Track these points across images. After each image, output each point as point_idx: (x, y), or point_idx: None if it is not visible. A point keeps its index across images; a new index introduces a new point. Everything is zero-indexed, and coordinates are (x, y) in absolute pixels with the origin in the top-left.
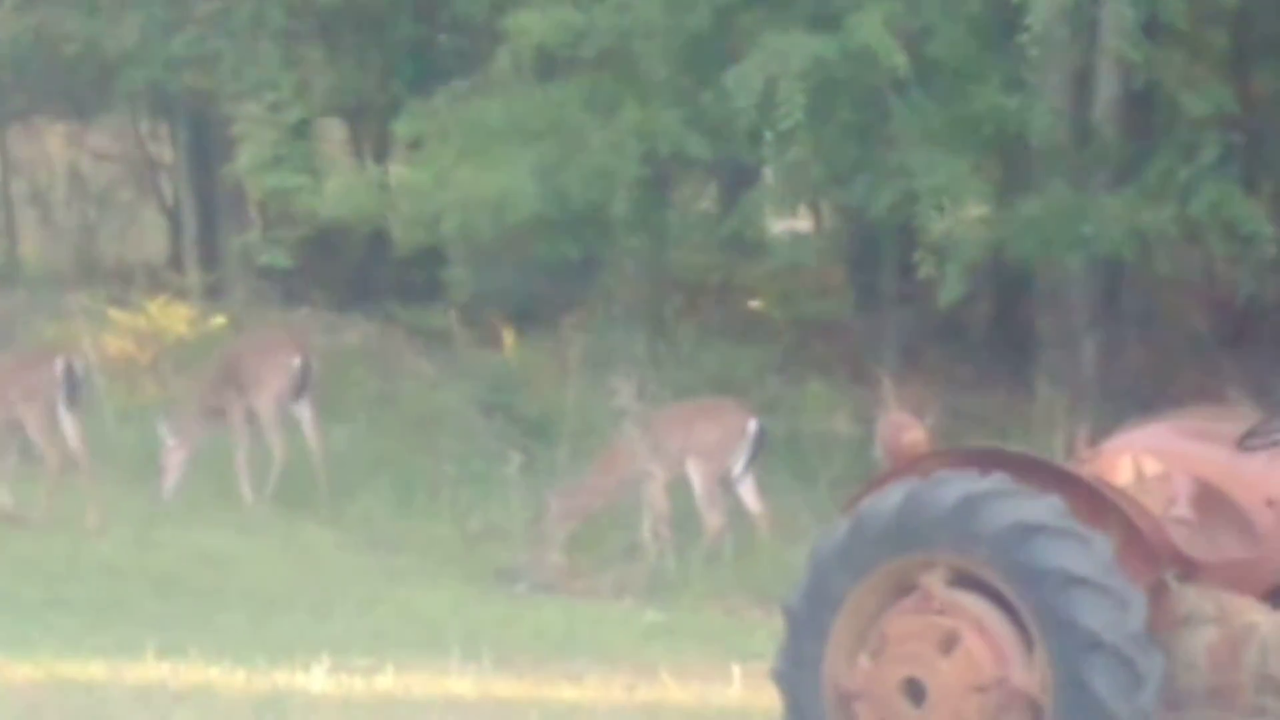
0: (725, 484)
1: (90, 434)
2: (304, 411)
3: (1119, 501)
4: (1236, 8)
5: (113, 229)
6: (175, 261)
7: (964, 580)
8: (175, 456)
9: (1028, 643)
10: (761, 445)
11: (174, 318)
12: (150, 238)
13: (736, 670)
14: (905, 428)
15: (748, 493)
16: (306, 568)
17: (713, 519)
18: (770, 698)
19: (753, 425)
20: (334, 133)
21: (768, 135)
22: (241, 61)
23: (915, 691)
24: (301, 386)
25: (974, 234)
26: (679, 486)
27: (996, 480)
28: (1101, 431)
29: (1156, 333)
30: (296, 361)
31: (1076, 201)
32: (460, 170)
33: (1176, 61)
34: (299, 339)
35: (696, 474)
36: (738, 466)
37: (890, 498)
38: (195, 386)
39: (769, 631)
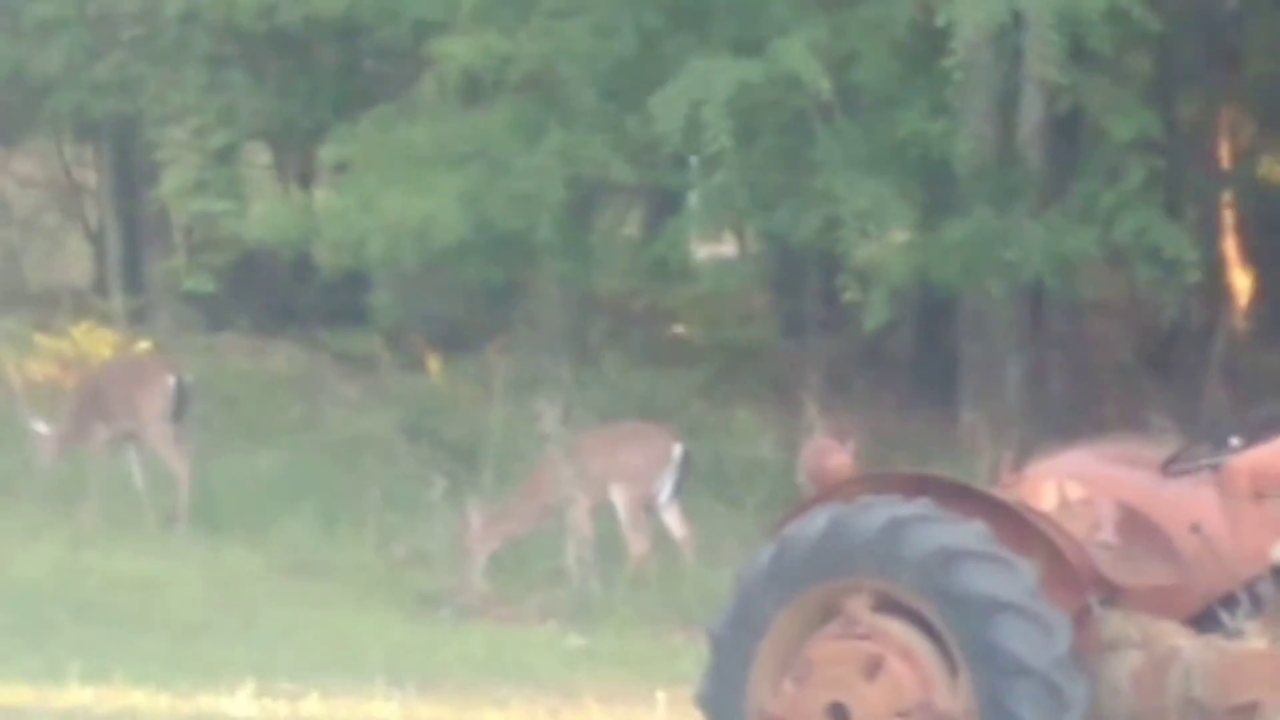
0: (650, 509)
1: (13, 458)
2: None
3: (1043, 527)
4: (1160, 33)
5: (37, 254)
6: (100, 286)
7: (889, 605)
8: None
9: (952, 668)
10: (687, 470)
11: (98, 343)
12: (75, 262)
13: (661, 695)
14: (830, 453)
15: (673, 518)
16: (230, 592)
17: (637, 544)
18: None
19: (677, 450)
20: (259, 157)
21: (693, 160)
22: (166, 86)
23: (839, 716)
24: (180, 408)
25: (898, 259)
26: (604, 511)
27: (921, 505)
28: (1026, 456)
29: (1080, 358)
30: (171, 382)
31: (1000, 226)
32: (385, 195)
33: (1101, 86)
34: (171, 361)
35: (621, 499)
36: (663, 492)
37: (815, 523)
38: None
39: (694, 656)
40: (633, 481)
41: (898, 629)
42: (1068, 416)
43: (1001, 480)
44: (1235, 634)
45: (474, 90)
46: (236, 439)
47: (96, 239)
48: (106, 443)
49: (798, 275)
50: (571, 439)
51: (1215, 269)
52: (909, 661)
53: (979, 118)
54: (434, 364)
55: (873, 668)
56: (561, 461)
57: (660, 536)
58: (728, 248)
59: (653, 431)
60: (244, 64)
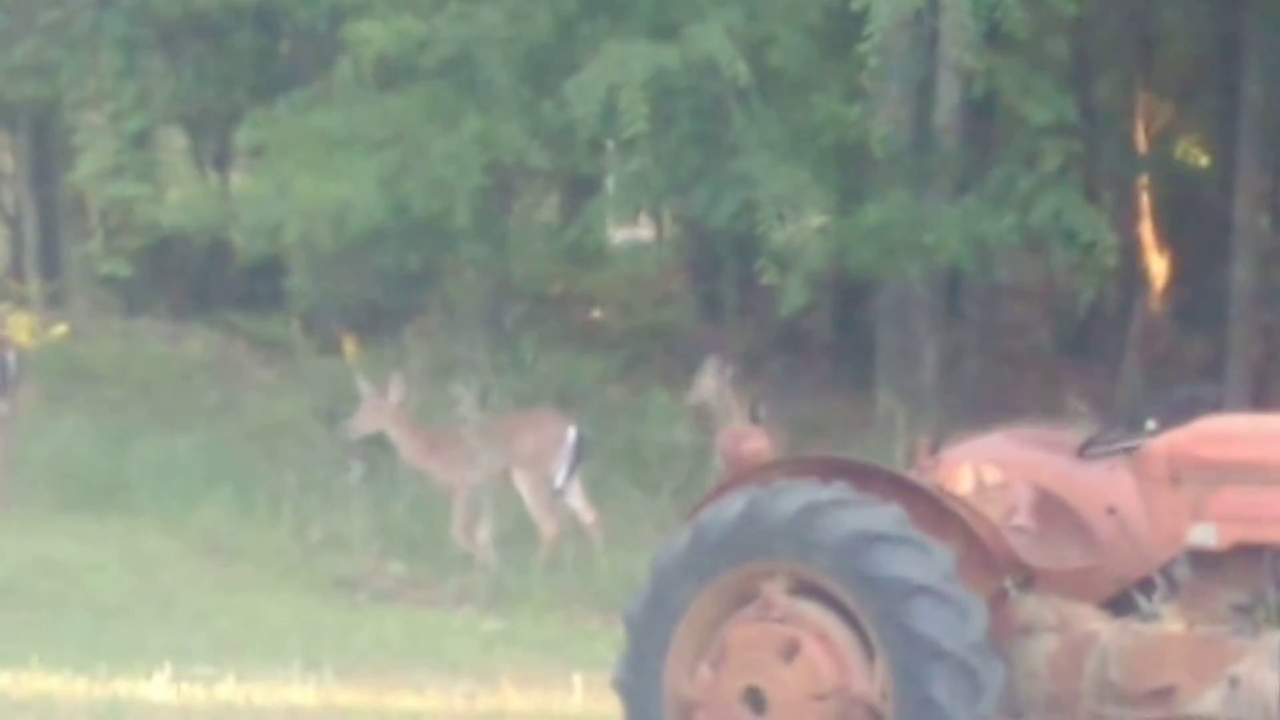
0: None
1: None
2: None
3: (959, 510)
4: (1077, 17)
5: None
6: (16, 270)
7: (805, 589)
8: None
9: (869, 651)
10: (582, 453)
11: (15, 326)
12: None
13: (578, 679)
14: (746, 436)
15: (575, 500)
16: (147, 576)
17: (547, 528)
18: (611, 706)
19: (571, 433)
20: (175, 142)
21: (609, 145)
22: (82, 71)
23: (756, 700)
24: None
25: (814, 243)
26: (514, 496)
27: (837, 489)
28: (942, 440)
29: (997, 342)
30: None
31: (917, 210)
32: (301, 180)
33: (1017, 70)
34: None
35: (523, 485)
36: (559, 476)
37: (731, 507)
38: None
39: (610, 640)
40: (531, 467)
41: (814, 613)
42: (984, 400)
43: (918, 464)
44: (1151, 617)
45: (390, 75)
46: (153, 424)
47: (13, 223)
48: None
49: (714, 259)
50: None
51: (1132, 252)
52: (825, 645)
53: (895, 102)
54: (350, 348)
55: (789, 651)
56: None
57: (574, 520)
58: (644, 232)
59: (546, 416)
60: (160, 48)
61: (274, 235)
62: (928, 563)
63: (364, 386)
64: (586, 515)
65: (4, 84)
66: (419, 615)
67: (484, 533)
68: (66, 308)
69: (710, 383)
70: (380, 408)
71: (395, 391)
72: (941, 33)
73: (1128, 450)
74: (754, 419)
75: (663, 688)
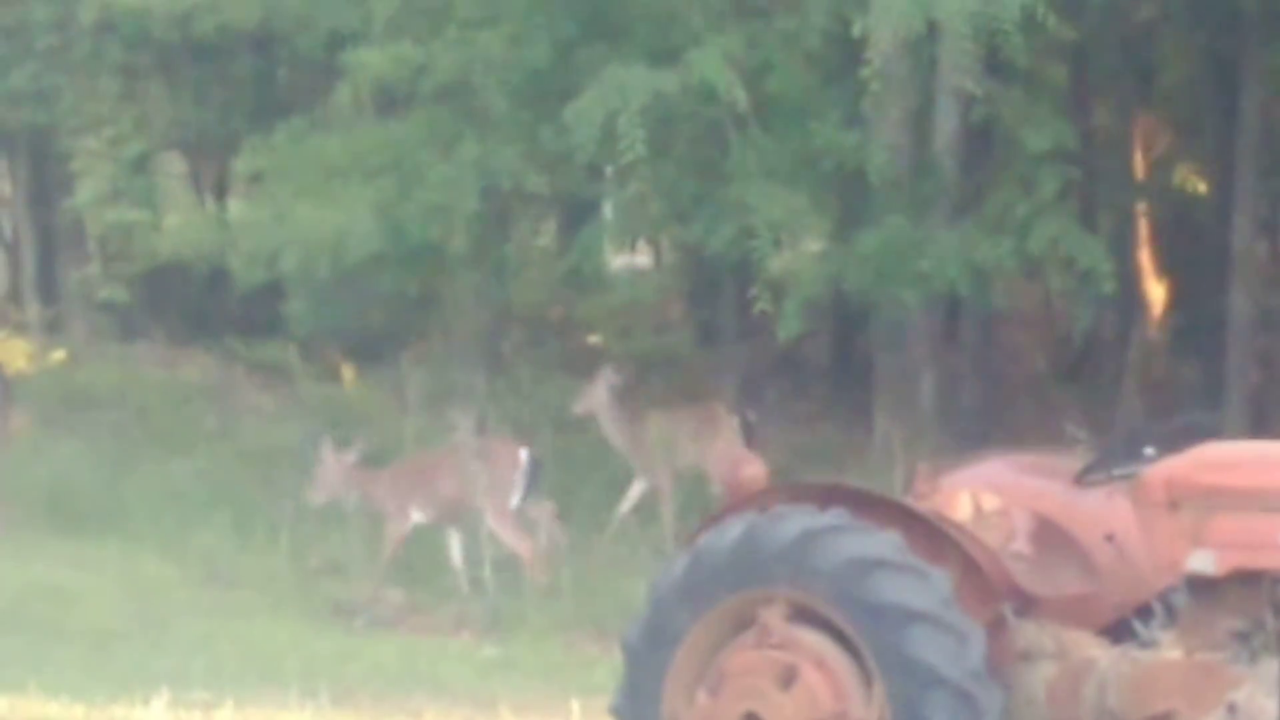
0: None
1: None
2: None
3: (957, 537)
4: (1075, 44)
5: None
6: (14, 296)
7: (803, 615)
8: None
9: (867, 678)
10: (536, 477)
11: (13, 352)
12: None
13: (575, 705)
14: (744, 463)
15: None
16: (145, 602)
17: (523, 549)
18: None
19: (524, 456)
20: (174, 167)
21: (607, 170)
22: (80, 96)
23: None
24: None
25: (812, 269)
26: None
27: (835, 515)
28: (940, 467)
29: (995, 368)
30: None
31: (915, 236)
32: (299, 207)
33: (1015, 97)
34: None
35: (487, 514)
36: (516, 498)
37: (729, 533)
38: None
39: (608, 666)
40: (491, 495)
41: (812, 639)
42: (982, 427)
43: (916, 490)
44: (1149, 644)
45: (388, 101)
46: (151, 449)
47: (11, 249)
48: None
49: (712, 285)
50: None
51: (1130, 279)
52: (823, 672)
53: (894, 128)
54: (348, 374)
55: (787, 678)
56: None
57: (574, 548)
58: (642, 258)
59: (499, 443)
60: (158, 74)
61: (272, 261)
62: (926, 589)
63: (323, 451)
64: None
65: (3, 109)
66: (417, 641)
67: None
68: (65, 333)
69: (601, 394)
70: (334, 470)
71: (348, 458)
72: (940, 59)
73: (1126, 477)
74: (745, 434)
75: (661, 714)
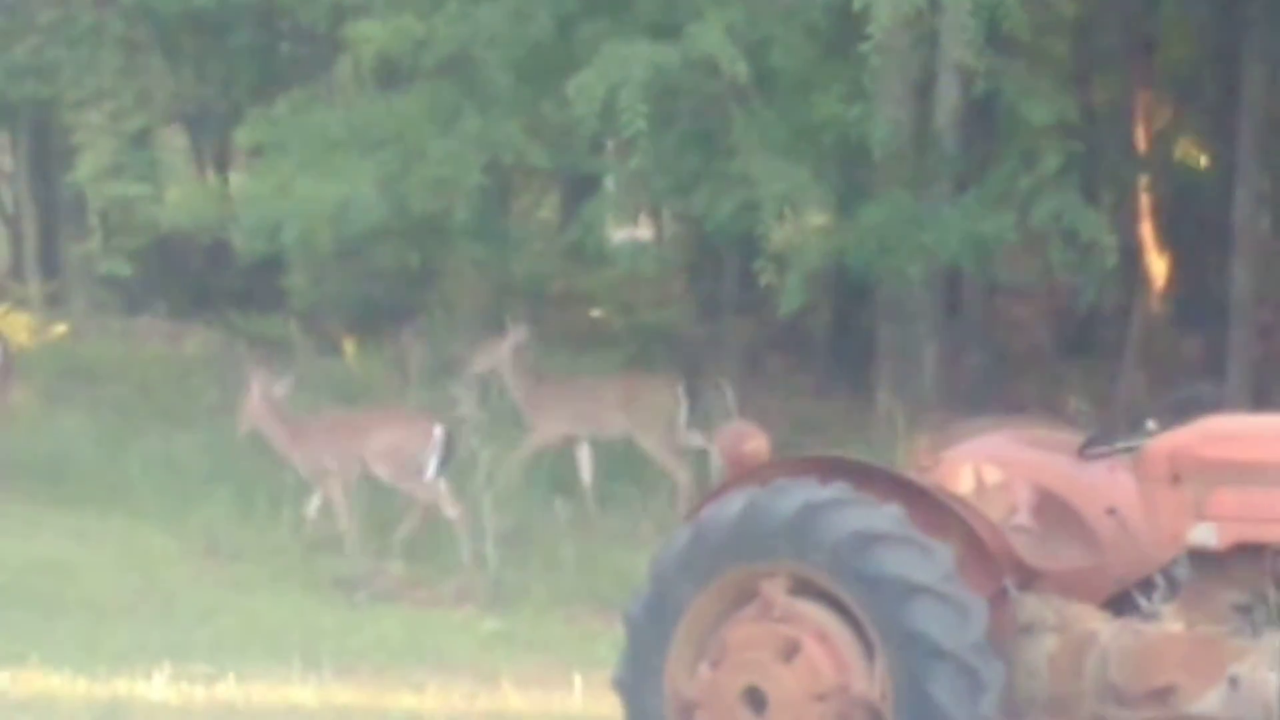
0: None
1: None
2: None
3: (959, 510)
4: (1077, 18)
5: None
6: (16, 270)
7: (805, 589)
8: None
9: (869, 651)
10: (450, 451)
11: (15, 326)
12: None
13: (578, 679)
14: (746, 436)
15: (441, 499)
16: (147, 576)
17: (449, 511)
18: (611, 706)
19: (438, 432)
20: (175, 141)
21: (609, 144)
22: (82, 70)
23: (756, 700)
24: None
25: (814, 243)
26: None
27: (837, 489)
28: (940, 438)
29: (997, 341)
30: None
31: (917, 210)
32: (301, 180)
33: (1017, 71)
34: None
35: (384, 477)
36: (431, 470)
37: (731, 506)
38: None
39: (610, 640)
40: (390, 461)
41: (814, 612)
42: (984, 400)
43: (918, 464)
44: (1152, 617)
45: (390, 74)
46: (153, 423)
47: (12, 223)
48: None
49: (714, 259)
50: (332, 417)
51: (1132, 253)
52: (825, 645)
53: (895, 102)
54: (349, 348)
55: (789, 651)
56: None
57: (576, 520)
58: (644, 232)
59: (413, 414)
60: (160, 48)
61: (273, 235)
62: (928, 563)
63: (253, 380)
64: (451, 511)
65: (4, 83)
66: (418, 615)
67: (489, 534)
68: (66, 307)
69: (505, 351)
70: (259, 402)
71: (279, 388)
72: (942, 32)
73: (1128, 450)
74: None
75: (663, 687)
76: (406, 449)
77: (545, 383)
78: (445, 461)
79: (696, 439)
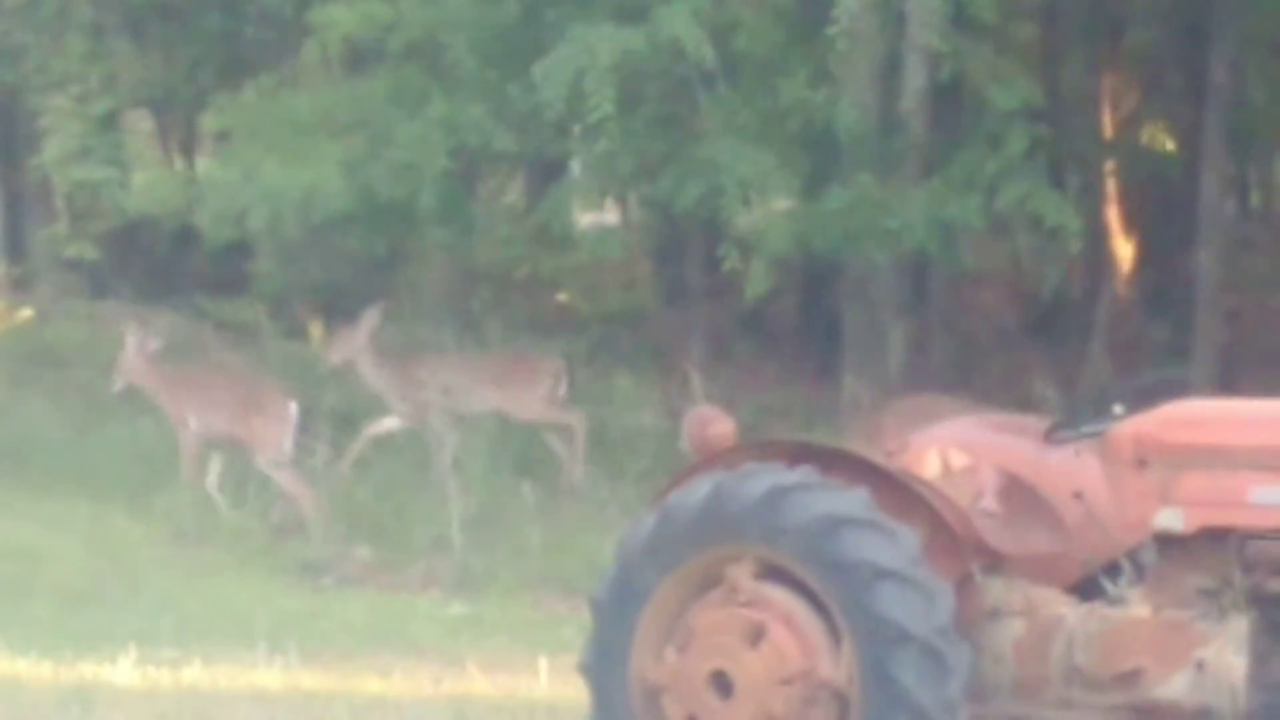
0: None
1: None
2: None
3: (926, 494)
4: (1043, 1)
5: None
6: None
7: (771, 573)
8: None
9: (835, 636)
10: (303, 428)
11: None
12: None
13: (544, 663)
14: (712, 420)
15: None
16: (112, 560)
17: (301, 495)
18: (578, 691)
19: (293, 409)
20: (142, 125)
21: (575, 128)
22: (48, 54)
23: (722, 684)
24: None
25: (780, 227)
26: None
27: (803, 473)
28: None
29: (963, 326)
30: None
31: (883, 194)
32: (267, 165)
33: (984, 54)
34: None
35: (263, 464)
36: (287, 446)
37: (697, 490)
38: None
39: (577, 624)
40: (265, 447)
41: (780, 597)
42: (951, 385)
43: (884, 447)
44: (1118, 601)
45: (356, 58)
46: (118, 407)
47: None
48: None
49: (680, 243)
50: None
51: (1098, 237)
52: (791, 629)
53: (861, 86)
54: (316, 332)
55: (755, 636)
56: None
57: (544, 506)
58: (610, 216)
59: (271, 392)
60: (126, 31)
61: (240, 219)
62: (894, 547)
63: (128, 336)
64: (295, 487)
65: None
66: (385, 599)
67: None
68: (32, 291)
69: (361, 339)
70: (134, 357)
71: (151, 343)
72: (908, 16)
73: (1094, 435)
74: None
75: (629, 672)
76: (261, 423)
77: (409, 363)
78: (295, 438)
79: (570, 416)
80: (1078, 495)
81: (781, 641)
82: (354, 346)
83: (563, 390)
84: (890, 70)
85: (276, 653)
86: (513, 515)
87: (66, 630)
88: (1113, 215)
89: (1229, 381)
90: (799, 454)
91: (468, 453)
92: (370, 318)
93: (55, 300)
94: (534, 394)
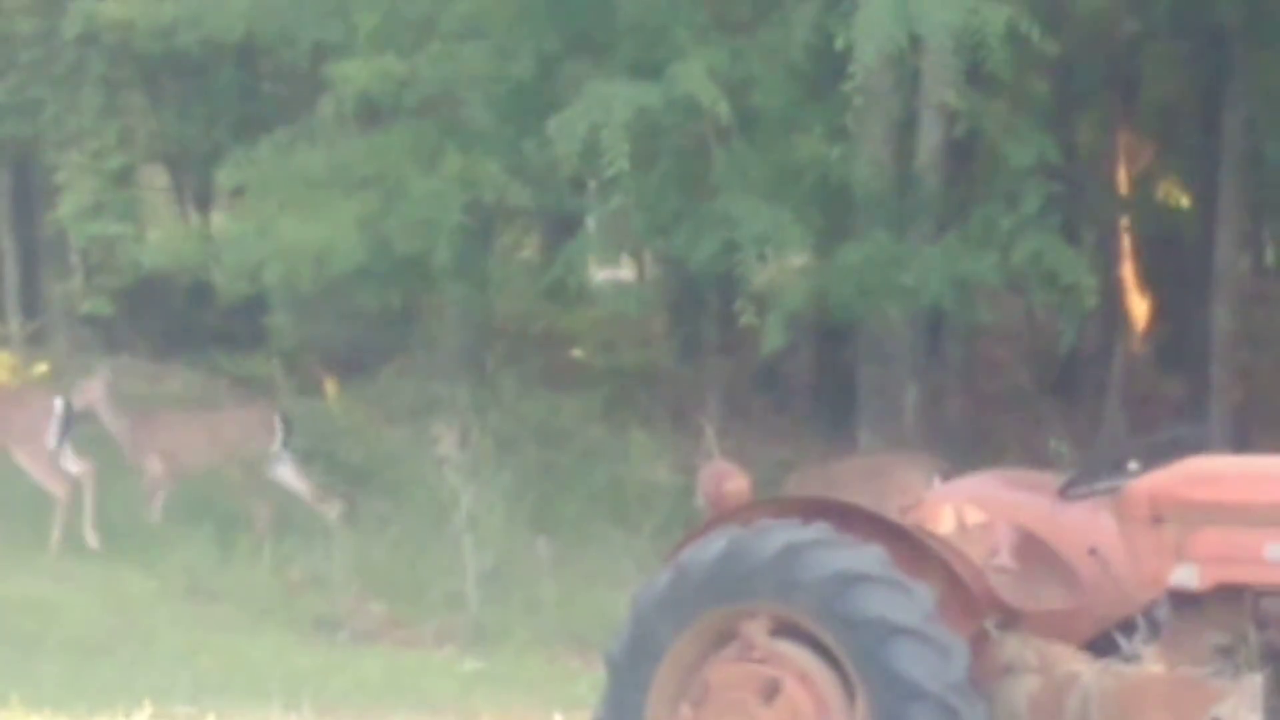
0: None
1: None
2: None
3: (941, 551)
4: (1058, 58)
5: None
6: None
7: (786, 630)
8: None
9: (850, 692)
10: (70, 422)
11: None
12: None
13: (558, 719)
14: (728, 476)
15: (68, 462)
16: (127, 616)
17: (59, 491)
18: None
19: (59, 404)
20: (157, 180)
21: (591, 184)
22: (63, 109)
23: None
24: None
25: (795, 283)
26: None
27: (818, 529)
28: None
29: (978, 382)
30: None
31: (898, 251)
32: (283, 220)
33: (999, 111)
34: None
35: (21, 459)
36: (53, 440)
37: (712, 546)
38: None
39: (591, 680)
40: (26, 440)
41: (795, 653)
42: (965, 441)
43: (900, 505)
44: (1133, 658)
45: (372, 114)
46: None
47: None
48: None
49: (695, 299)
50: None
51: (1113, 293)
52: (806, 686)
53: (877, 142)
54: (331, 387)
55: (770, 692)
56: None
57: (559, 560)
58: (626, 272)
59: (36, 392)
60: (141, 87)
61: (255, 275)
62: (909, 603)
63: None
64: (76, 467)
65: None
66: (399, 655)
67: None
68: (47, 346)
69: (98, 388)
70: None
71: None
72: (924, 72)
73: (1109, 491)
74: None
75: None
76: (38, 427)
77: (144, 417)
78: (65, 433)
79: (284, 472)
80: (1093, 552)
81: (796, 698)
82: (90, 397)
83: (276, 446)
84: (905, 127)
85: (291, 709)
86: (527, 570)
87: (80, 685)
88: (1127, 271)
89: (1244, 438)
90: (814, 510)
91: (483, 507)
92: (103, 371)
93: (70, 355)
94: (248, 450)
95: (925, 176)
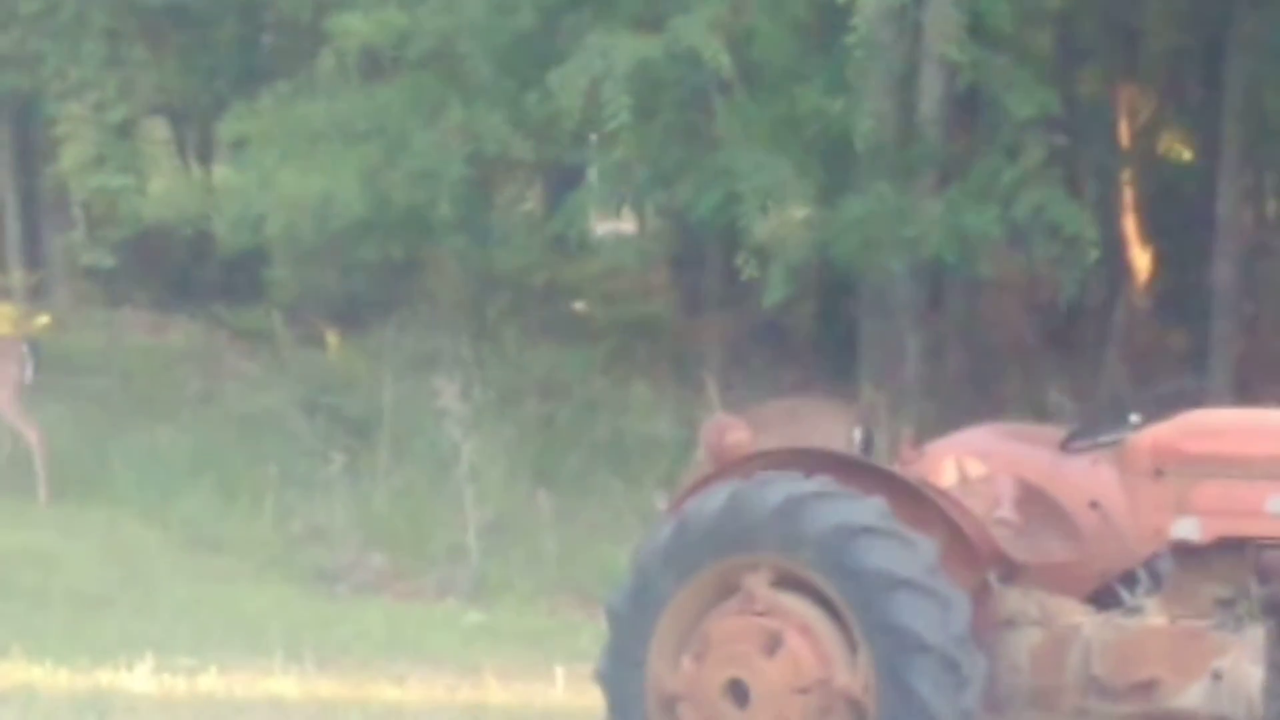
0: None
1: None
2: None
3: (942, 503)
4: (1060, 10)
5: None
6: None
7: (788, 582)
8: None
9: (851, 644)
10: (38, 363)
11: None
12: None
13: (560, 671)
14: (730, 428)
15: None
16: (129, 568)
17: (31, 434)
18: (593, 699)
19: (24, 348)
20: (158, 133)
21: (592, 137)
22: (65, 61)
23: (738, 693)
24: None
25: (797, 236)
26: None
27: (820, 482)
28: (925, 433)
29: (979, 335)
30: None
31: (900, 203)
32: (284, 172)
33: (1000, 64)
34: None
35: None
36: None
37: (714, 499)
38: None
39: (592, 632)
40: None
41: (797, 605)
42: (967, 394)
43: (901, 457)
44: (1134, 611)
45: (373, 66)
46: (135, 414)
47: None
48: None
49: (697, 251)
50: None
51: (1114, 246)
52: (808, 638)
53: (879, 95)
54: (333, 340)
55: (772, 644)
56: None
57: (561, 513)
58: (627, 224)
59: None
60: (143, 38)
61: (256, 227)
62: (910, 556)
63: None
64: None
65: None
66: (401, 607)
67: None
68: (49, 299)
69: None
70: None
71: None
72: (925, 25)
73: (1111, 444)
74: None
75: (645, 680)
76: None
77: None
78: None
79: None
80: (1094, 505)
81: (798, 650)
82: None
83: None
84: (907, 79)
85: (292, 660)
86: (529, 523)
87: (82, 637)
88: (1129, 224)
89: (1246, 390)
90: (816, 462)
91: (484, 460)
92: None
93: (72, 308)
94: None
95: (927, 129)
